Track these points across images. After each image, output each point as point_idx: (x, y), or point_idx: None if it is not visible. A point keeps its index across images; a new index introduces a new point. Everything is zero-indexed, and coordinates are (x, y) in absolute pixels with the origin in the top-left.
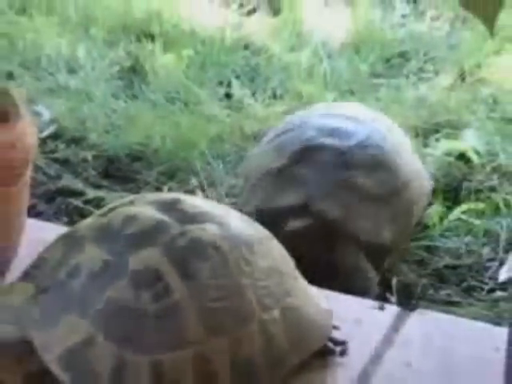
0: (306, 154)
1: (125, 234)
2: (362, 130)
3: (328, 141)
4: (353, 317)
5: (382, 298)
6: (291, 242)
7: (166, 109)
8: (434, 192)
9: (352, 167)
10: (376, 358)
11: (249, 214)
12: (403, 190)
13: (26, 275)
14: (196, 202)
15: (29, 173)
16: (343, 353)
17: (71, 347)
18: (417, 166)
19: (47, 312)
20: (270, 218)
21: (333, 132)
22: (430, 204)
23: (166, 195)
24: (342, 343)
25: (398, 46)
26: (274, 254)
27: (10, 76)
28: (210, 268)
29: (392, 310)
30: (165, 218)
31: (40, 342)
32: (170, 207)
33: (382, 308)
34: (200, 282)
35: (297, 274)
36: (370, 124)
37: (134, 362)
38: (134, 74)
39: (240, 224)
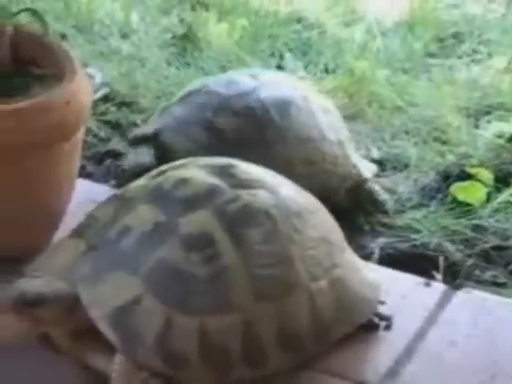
0: (189, 96)
1: (177, 196)
2: (253, 84)
3: (216, 88)
4: (398, 292)
5: (429, 276)
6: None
7: None
8: (478, 173)
9: (217, 110)
10: (420, 335)
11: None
12: (276, 142)
13: (77, 233)
14: (248, 168)
15: (82, 131)
16: (388, 328)
17: (119, 305)
18: (314, 132)
19: (96, 269)
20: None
21: (227, 83)
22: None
23: (218, 160)
24: (387, 318)
25: (452, 26)
26: (324, 224)
27: (63, 38)
28: (261, 234)
29: (438, 287)
30: (217, 182)
31: (88, 298)
32: (222, 172)
33: (428, 285)
34: (250, 248)
35: (345, 245)
36: (272, 84)
37: (182, 323)
38: (186, 42)
39: (291, 193)
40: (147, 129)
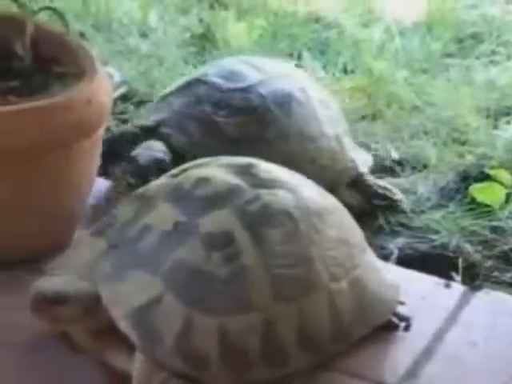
0: (188, 86)
1: (197, 195)
2: (254, 77)
3: (216, 79)
4: (418, 293)
5: (448, 277)
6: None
7: None
8: (497, 174)
9: (217, 105)
10: (439, 336)
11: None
12: (278, 140)
13: (98, 231)
14: (269, 168)
15: (102, 130)
16: (407, 328)
17: (140, 305)
18: (314, 129)
19: (117, 268)
20: (131, 136)
21: (229, 74)
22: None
23: (239, 159)
24: (407, 319)
25: (470, 27)
26: (344, 224)
27: (82, 37)
28: (281, 234)
29: (457, 288)
30: (238, 181)
31: (108, 297)
32: (243, 171)
33: (447, 286)
34: (270, 248)
35: (365, 246)
36: (272, 77)
37: (201, 323)
38: (205, 41)
39: (312, 193)
40: (146, 120)
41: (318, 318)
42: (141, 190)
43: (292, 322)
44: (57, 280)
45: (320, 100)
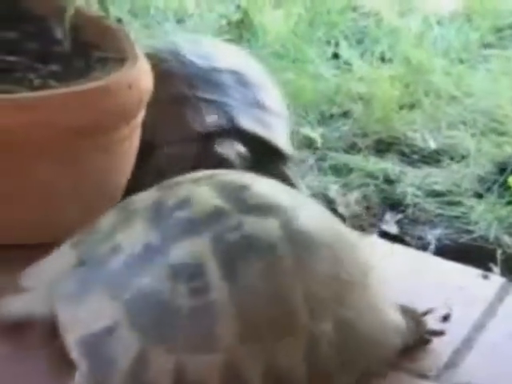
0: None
1: (177, 216)
2: None
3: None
4: (456, 284)
5: (486, 268)
6: None
7: (273, 65)
8: None
9: None
10: (479, 327)
11: None
12: None
13: (74, 243)
14: (265, 191)
15: (142, 115)
16: (446, 319)
17: (93, 332)
18: None
19: (79, 288)
20: None
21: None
22: None
23: (235, 178)
24: (439, 333)
25: (509, 16)
26: (340, 258)
27: (119, 22)
28: (260, 269)
29: (496, 280)
30: (224, 205)
31: (64, 320)
32: (234, 193)
33: (486, 277)
34: (243, 285)
35: (369, 282)
36: None
37: (157, 359)
38: (242, 28)
39: (310, 221)
40: None
41: (292, 362)
42: (126, 201)
43: (258, 365)
44: (23, 299)
45: None
